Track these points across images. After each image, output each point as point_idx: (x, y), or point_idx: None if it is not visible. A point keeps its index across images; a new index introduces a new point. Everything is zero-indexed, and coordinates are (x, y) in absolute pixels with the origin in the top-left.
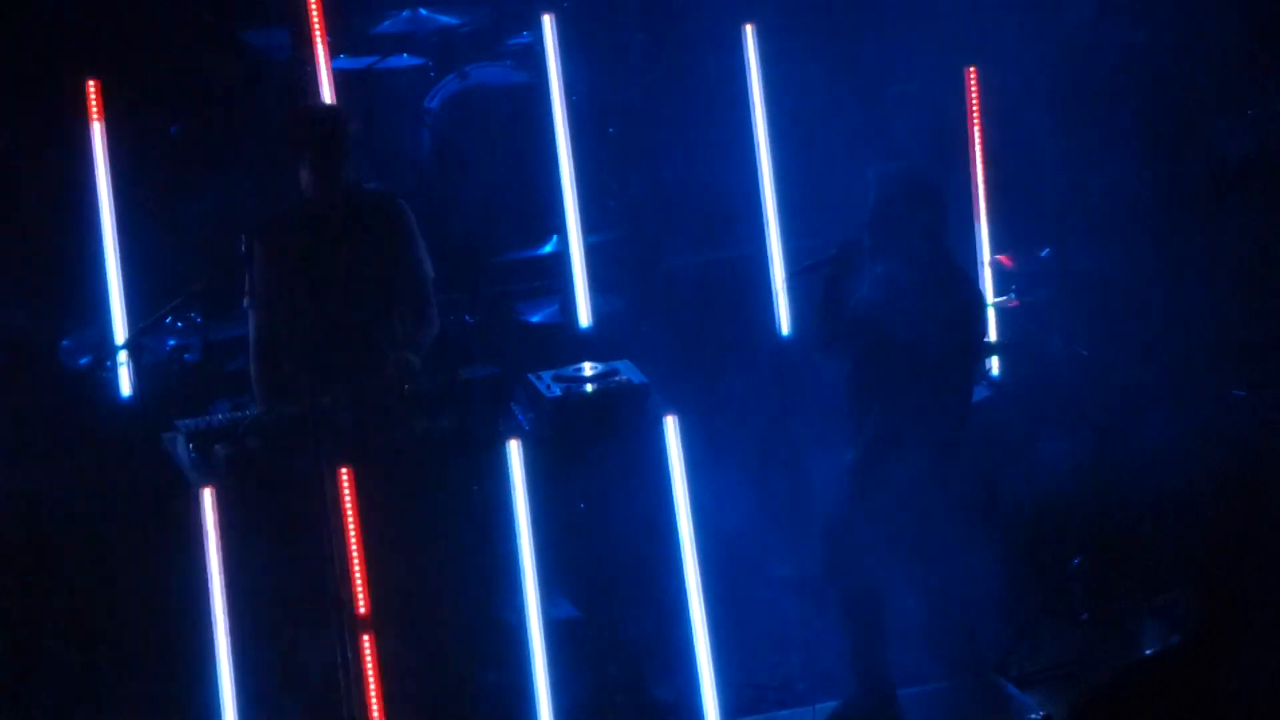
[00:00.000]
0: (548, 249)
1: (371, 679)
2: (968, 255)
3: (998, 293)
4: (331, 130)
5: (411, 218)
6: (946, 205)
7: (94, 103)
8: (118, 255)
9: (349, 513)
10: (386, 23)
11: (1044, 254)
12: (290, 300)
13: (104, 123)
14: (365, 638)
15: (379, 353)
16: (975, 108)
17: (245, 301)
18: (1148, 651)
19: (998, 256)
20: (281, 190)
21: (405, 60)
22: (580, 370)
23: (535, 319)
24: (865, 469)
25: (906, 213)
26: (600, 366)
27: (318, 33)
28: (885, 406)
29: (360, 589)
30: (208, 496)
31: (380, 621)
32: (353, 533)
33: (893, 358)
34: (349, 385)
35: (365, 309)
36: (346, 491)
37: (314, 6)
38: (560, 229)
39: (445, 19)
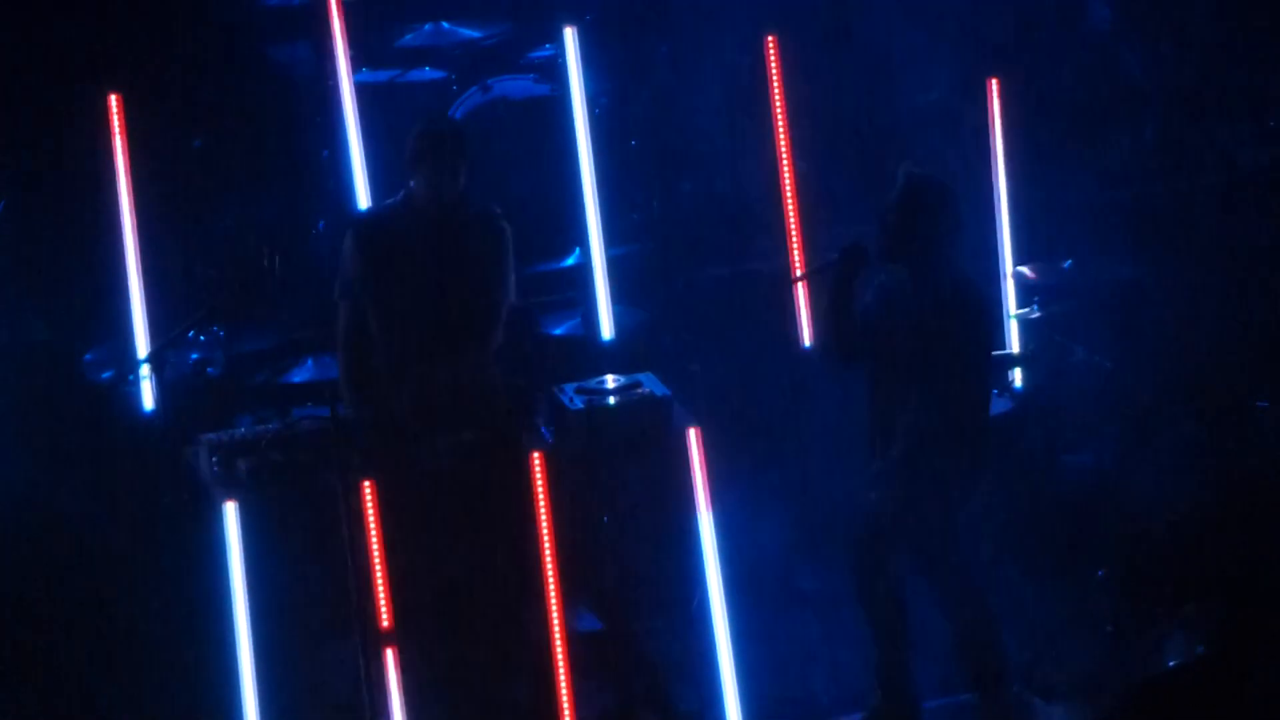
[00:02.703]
0: (570, 262)
1: (394, 693)
2: (990, 267)
3: (1021, 304)
4: (455, 144)
5: (509, 240)
6: (960, 217)
7: (116, 117)
8: (140, 269)
9: (372, 526)
10: (409, 36)
11: (1067, 265)
12: (380, 295)
13: (126, 137)
14: (388, 651)
15: (454, 356)
16: (997, 119)
17: (336, 292)
18: (1173, 663)
19: (1020, 268)
20: (303, 203)
21: (428, 74)
22: (603, 383)
23: (558, 332)
24: (889, 483)
25: (921, 218)
26: (623, 379)
27: (340, 47)
28: (904, 421)
29: (383, 602)
30: (231, 510)
31: (403, 635)
32: (375, 546)
33: (902, 370)
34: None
35: (448, 313)
36: (369, 505)
37: (337, 20)
38: (583, 242)
39: (468, 32)
